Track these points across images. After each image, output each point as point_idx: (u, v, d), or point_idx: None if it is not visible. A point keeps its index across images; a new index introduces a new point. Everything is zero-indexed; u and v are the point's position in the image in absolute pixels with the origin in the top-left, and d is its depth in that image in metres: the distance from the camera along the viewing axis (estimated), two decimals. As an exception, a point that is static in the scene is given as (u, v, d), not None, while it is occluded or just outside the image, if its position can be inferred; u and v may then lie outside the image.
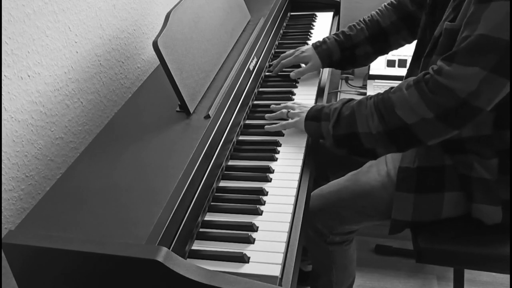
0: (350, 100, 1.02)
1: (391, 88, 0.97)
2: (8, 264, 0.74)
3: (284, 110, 1.12)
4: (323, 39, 1.33)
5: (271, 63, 1.38)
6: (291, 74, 1.30)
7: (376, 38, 1.30)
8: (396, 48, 1.34)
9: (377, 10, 1.33)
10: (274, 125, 1.10)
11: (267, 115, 1.15)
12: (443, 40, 0.96)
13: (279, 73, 1.36)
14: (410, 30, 1.29)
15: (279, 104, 1.17)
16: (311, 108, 1.07)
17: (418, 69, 1.08)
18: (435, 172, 1.06)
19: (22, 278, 0.76)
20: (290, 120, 1.09)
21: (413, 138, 0.92)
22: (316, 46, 1.32)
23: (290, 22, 1.71)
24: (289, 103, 1.15)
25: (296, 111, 1.10)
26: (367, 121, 0.95)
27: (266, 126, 1.11)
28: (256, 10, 1.50)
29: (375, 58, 1.36)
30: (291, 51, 1.35)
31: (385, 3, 1.33)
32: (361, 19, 1.33)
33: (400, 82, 0.98)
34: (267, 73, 1.37)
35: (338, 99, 1.87)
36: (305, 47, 1.34)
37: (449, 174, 1.05)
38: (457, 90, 0.86)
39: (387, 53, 1.36)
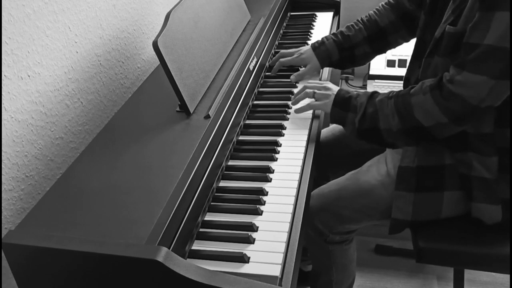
0: (374, 94, 1.06)
1: (411, 87, 1.01)
2: (8, 264, 0.74)
3: (309, 90, 1.14)
4: (322, 39, 1.33)
5: (271, 64, 1.39)
6: (291, 78, 1.31)
7: (375, 38, 1.31)
8: (395, 47, 1.35)
9: (375, 10, 1.33)
10: (302, 106, 1.13)
11: (292, 100, 1.17)
12: (445, 42, 0.97)
13: (279, 73, 1.36)
14: (408, 29, 1.29)
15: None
16: (338, 94, 1.10)
17: (419, 69, 1.08)
18: (435, 172, 1.06)
19: (22, 278, 0.76)
20: (318, 102, 1.12)
21: (429, 136, 1.00)
22: (315, 47, 1.32)
23: (290, 22, 1.71)
24: (309, 83, 1.16)
25: (322, 92, 1.13)
26: (388, 120, 1.01)
27: (294, 109, 1.13)
28: (256, 10, 1.50)
29: (374, 57, 1.36)
30: (291, 50, 1.36)
31: (383, 3, 1.33)
32: (359, 19, 1.33)
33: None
34: (267, 73, 1.37)
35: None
36: (304, 48, 1.34)
37: (449, 173, 1.05)
38: (469, 98, 0.92)
39: (385, 52, 1.36)
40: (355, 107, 1.06)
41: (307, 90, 1.15)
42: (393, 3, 1.30)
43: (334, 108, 1.09)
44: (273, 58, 1.38)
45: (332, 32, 1.36)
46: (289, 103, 1.20)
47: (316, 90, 1.14)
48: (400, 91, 1.03)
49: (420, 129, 0.99)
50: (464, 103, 0.92)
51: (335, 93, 1.11)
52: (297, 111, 1.13)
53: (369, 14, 1.33)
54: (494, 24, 0.87)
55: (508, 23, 0.86)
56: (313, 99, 1.15)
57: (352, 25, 1.32)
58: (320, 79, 1.33)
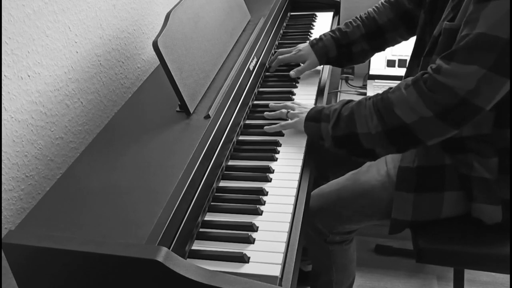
0: (350, 101, 1.02)
1: (390, 88, 0.97)
2: (8, 264, 0.74)
3: (284, 110, 1.12)
4: (320, 36, 1.34)
5: (270, 65, 1.39)
6: (291, 73, 1.31)
7: (373, 35, 1.31)
8: (393, 44, 1.35)
9: (374, 7, 1.33)
10: (273, 126, 1.10)
11: (266, 113, 1.15)
12: (443, 39, 0.96)
13: (279, 73, 1.36)
14: (407, 28, 1.29)
15: (279, 103, 1.17)
16: (311, 109, 1.07)
17: (418, 68, 1.08)
18: (435, 172, 1.06)
19: (22, 278, 0.76)
20: (289, 121, 1.09)
21: (412, 137, 0.92)
22: (312, 43, 1.33)
23: (290, 22, 1.71)
24: (289, 103, 1.15)
25: (296, 111, 1.10)
26: (367, 122, 0.95)
27: (265, 127, 1.11)
28: (256, 10, 1.50)
29: (372, 54, 1.36)
30: (289, 49, 1.36)
31: (382, 1, 1.33)
32: (358, 16, 1.33)
33: (399, 82, 0.98)
34: (267, 73, 1.37)
35: (338, 99, 1.88)
36: (302, 45, 1.34)
37: (449, 173, 1.05)
38: (456, 88, 0.86)
39: (383, 49, 1.36)
40: (327, 115, 1.01)
41: (283, 110, 1.12)
42: (393, 1, 1.30)
43: (306, 123, 1.05)
44: (272, 58, 1.39)
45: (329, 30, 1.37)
46: (273, 104, 1.19)
47: (290, 110, 1.11)
48: (379, 92, 0.98)
49: (401, 128, 0.92)
50: (450, 92, 0.86)
51: (308, 110, 1.07)
52: (268, 129, 1.10)
53: (368, 12, 1.33)
54: (486, 12, 0.83)
55: (506, 12, 0.82)
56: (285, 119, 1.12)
57: (350, 22, 1.33)
58: (320, 80, 1.33)
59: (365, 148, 0.98)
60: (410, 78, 0.94)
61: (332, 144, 1.01)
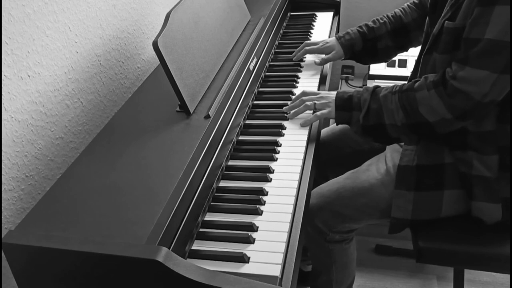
0: (376, 90, 1.07)
1: (415, 82, 1.02)
2: (8, 264, 0.74)
3: (309, 103, 1.13)
4: (347, 30, 1.38)
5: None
6: (316, 61, 1.36)
7: (398, 32, 1.34)
8: (415, 45, 1.38)
9: (401, 8, 1.37)
10: (308, 119, 1.12)
11: (289, 112, 1.15)
12: (444, 38, 0.98)
13: (279, 73, 1.36)
14: None
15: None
16: (337, 97, 1.10)
17: (419, 66, 1.09)
18: (435, 170, 1.06)
19: (22, 278, 0.76)
20: (323, 111, 1.11)
21: (432, 131, 1.01)
22: (339, 37, 1.37)
23: (290, 22, 1.71)
24: (305, 96, 1.15)
25: (323, 101, 1.12)
26: (393, 115, 1.03)
27: (301, 122, 1.12)
28: (256, 10, 1.50)
29: (395, 54, 1.39)
30: (315, 40, 1.40)
31: (408, 3, 1.37)
32: (384, 15, 1.37)
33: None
34: (267, 73, 1.37)
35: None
36: (329, 39, 1.39)
37: (448, 172, 1.05)
38: (472, 93, 0.93)
39: (407, 49, 1.39)
40: (358, 104, 1.07)
41: (307, 103, 1.13)
42: (417, 2, 1.35)
43: (338, 112, 1.09)
44: (297, 49, 1.41)
45: (350, 29, 1.39)
46: (290, 103, 1.20)
47: (315, 101, 1.13)
48: (403, 85, 1.04)
49: (424, 124, 1.00)
50: (468, 99, 0.94)
51: (334, 98, 1.10)
52: (304, 124, 1.12)
53: (394, 12, 1.37)
54: (493, 18, 0.88)
55: (508, 17, 0.87)
56: (312, 110, 1.14)
57: (377, 19, 1.37)
58: (320, 80, 1.33)
59: (391, 137, 1.06)
60: (432, 78, 0.99)
61: (361, 131, 1.08)
